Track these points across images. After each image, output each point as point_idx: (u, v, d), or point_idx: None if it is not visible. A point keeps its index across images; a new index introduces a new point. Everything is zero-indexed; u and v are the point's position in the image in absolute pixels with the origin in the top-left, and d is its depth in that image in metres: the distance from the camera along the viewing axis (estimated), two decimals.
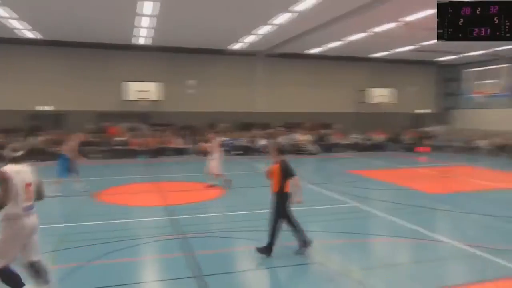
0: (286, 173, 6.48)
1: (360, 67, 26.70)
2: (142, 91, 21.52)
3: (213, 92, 23.96)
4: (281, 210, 6.50)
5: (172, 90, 22.60)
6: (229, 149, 21.79)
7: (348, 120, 25.75)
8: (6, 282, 4.64)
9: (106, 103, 22.17)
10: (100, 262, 6.28)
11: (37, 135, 20.16)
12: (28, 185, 4.69)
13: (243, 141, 22.32)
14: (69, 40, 20.95)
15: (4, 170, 4.57)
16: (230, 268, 6.21)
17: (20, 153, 4.77)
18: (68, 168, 11.37)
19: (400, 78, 27.40)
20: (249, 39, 20.24)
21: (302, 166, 18.13)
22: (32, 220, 4.73)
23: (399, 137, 25.01)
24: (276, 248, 6.61)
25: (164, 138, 21.64)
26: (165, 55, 23.12)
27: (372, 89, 25.96)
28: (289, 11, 14.98)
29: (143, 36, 19.52)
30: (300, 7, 14.30)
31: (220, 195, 11.59)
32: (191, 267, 6.06)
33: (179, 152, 21.18)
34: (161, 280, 5.90)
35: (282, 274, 6.10)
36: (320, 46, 22.33)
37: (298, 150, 22.37)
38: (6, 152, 4.71)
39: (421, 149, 23.73)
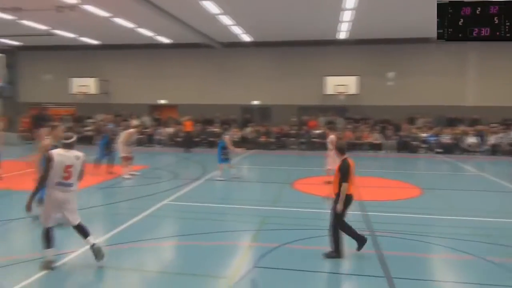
0: (343, 174, 6.10)
1: None
2: (340, 85, 21.99)
3: (412, 84, 22.58)
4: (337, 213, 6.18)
5: (368, 83, 22.29)
6: (430, 147, 20.24)
7: None
8: (43, 239, 5.63)
9: (307, 98, 23.50)
10: (291, 246, 6.79)
11: (248, 127, 22.96)
12: (68, 166, 5.57)
13: (446, 138, 20.31)
14: (274, 40, 23.02)
15: (51, 152, 5.61)
16: (421, 275, 5.85)
17: (70, 140, 5.74)
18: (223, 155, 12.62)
19: None
20: None
21: None
22: (63, 195, 5.59)
23: None
24: (479, 262, 5.87)
25: (360, 132, 21.57)
26: (362, 48, 22.96)
27: None
28: None
29: (344, 30, 19.83)
30: None
31: (417, 195, 10.94)
32: (380, 266, 6.00)
33: (375, 147, 20.77)
34: (349, 274, 6.01)
35: None
36: None
37: None
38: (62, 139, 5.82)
39: None
